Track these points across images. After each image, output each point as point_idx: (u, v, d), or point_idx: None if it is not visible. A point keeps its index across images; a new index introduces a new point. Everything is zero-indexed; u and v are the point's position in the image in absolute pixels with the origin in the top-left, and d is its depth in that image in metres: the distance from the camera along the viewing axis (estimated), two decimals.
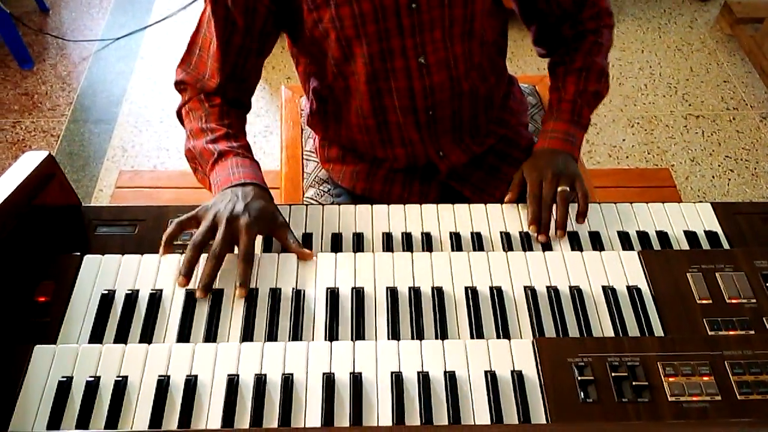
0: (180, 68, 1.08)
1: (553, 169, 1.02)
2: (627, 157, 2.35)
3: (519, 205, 1.02)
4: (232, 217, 0.87)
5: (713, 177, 2.28)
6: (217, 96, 1.05)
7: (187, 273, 0.84)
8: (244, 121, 1.09)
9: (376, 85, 1.04)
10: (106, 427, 0.70)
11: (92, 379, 0.73)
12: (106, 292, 0.84)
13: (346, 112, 1.12)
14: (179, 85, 1.09)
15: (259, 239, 0.91)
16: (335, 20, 0.96)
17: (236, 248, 0.87)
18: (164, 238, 0.87)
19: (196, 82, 1.06)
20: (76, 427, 0.70)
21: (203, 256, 0.86)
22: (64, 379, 0.73)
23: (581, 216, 0.98)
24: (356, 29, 0.97)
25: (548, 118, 1.12)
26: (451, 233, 0.96)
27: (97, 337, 0.80)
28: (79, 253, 0.88)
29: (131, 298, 0.83)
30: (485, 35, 1.07)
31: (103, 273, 0.86)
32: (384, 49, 1.00)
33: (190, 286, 0.84)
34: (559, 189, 0.99)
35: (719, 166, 2.32)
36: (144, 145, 2.36)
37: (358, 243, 0.95)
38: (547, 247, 0.95)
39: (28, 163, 0.91)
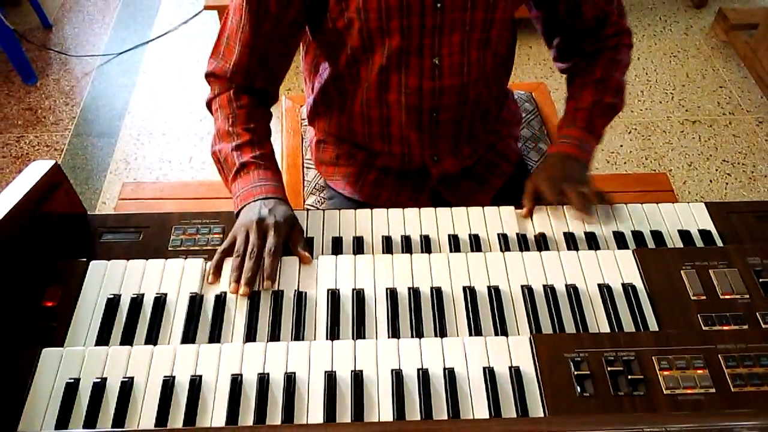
0: (211, 59, 1.10)
1: (566, 179, 1.05)
2: (625, 162, 2.37)
3: (516, 208, 1.04)
4: (260, 220, 0.93)
5: (710, 181, 2.30)
6: (245, 93, 1.07)
7: (237, 279, 0.87)
8: (268, 119, 1.12)
9: (387, 77, 1.06)
10: (113, 427, 0.72)
11: (99, 380, 0.75)
12: (112, 296, 0.85)
13: (351, 101, 1.13)
14: (209, 77, 1.11)
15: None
16: (361, 11, 0.98)
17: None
18: (212, 268, 0.89)
19: (225, 72, 1.07)
20: (84, 427, 0.72)
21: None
22: (72, 380, 0.75)
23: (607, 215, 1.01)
24: (380, 22, 0.99)
25: (563, 125, 1.15)
26: (449, 235, 0.98)
27: (103, 339, 0.81)
28: (85, 259, 0.90)
29: (136, 301, 0.85)
30: (499, 47, 1.10)
31: (108, 278, 0.88)
32: (403, 45, 1.02)
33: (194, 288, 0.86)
34: (578, 191, 1.02)
35: (716, 170, 2.34)
36: (146, 158, 2.39)
37: (358, 246, 0.97)
38: (543, 246, 0.97)
39: (35, 172, 0.93)
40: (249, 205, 0.97)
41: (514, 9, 1.07)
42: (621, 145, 2.42)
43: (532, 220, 1.01)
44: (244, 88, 1.08)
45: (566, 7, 1.11)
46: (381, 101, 1.10)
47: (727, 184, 2.29)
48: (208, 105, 1.12)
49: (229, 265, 0.89)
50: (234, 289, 0.86)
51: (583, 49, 1.17)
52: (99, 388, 0.74)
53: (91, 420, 0.72)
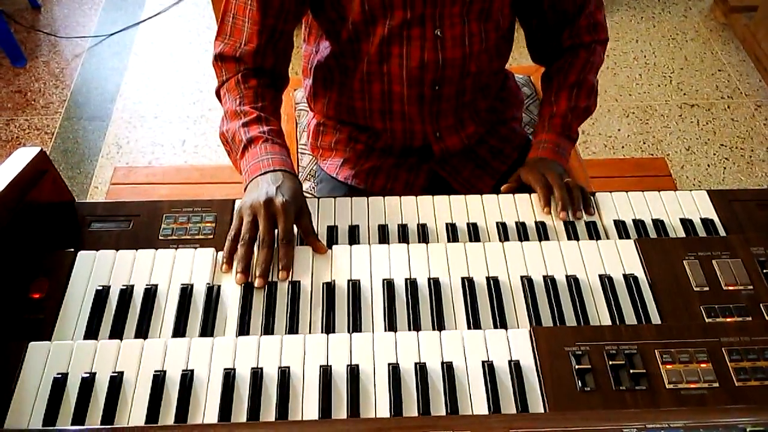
0: (218, 41, 1.07)
1: (552, 169, 1.05)
2: (623, 147, 2.34)
3: (515, 195, 1.02)
4: (268, 201, 0.89)
5: (708, 165, 2.28)
6: (254, 77, 1.05)
7: (244, 269, 0.84)
8: (279, 101, 1.10)
9: (388, 49, 1.05)
10: (102, 423, 0.70)
11: (88, 375, 0.73)
12: (101, 287, 0.83)
13: (351, 76, 1.11)
14: (218, 60, 1.08)
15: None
16: None
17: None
18: (224, 257, 0.86)
19: (234, 51, 1.05)
20: (72, 424, 0.70)
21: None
22: (60, 375, 0.73)
23: (589, 206, 0.99)
24: None
25: (541, 130, 1.15)
26: (447, 224, 0.96)
27: (92, 333, 0.79)
28: (72, 249, 0.87)
29: (126, 293, 0.83)
30: (501, 21, 1.08)
31: (97, 269, 0.86)
32: (405, 17, 1.00)
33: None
34: (566, 180, 1.02)
35: (714, 154, 2.32)
36: (139, 141, 2.35)
37: (354, 235, 0.95)
38: (543, 236, 0.95)
39: (20, 159, 0.90)
40: (256, 179, 0.94)
41: None
42: (619, 129, 2.40)
43: (533, 207, 0.99)
44: (254, 71, 1.05)
45: (549, 3, 1.11)
46: (382, 74, 1.08)
47: (725, 168, 2.27)
48: (217, 93, 1.10)
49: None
50: (240, 279, 0.83)
51: (559, 43, 1.17)
52: (88, 383, 0.72)
53: (79, 416, 0.70)
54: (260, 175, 0.94)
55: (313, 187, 1.31)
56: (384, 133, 1.18)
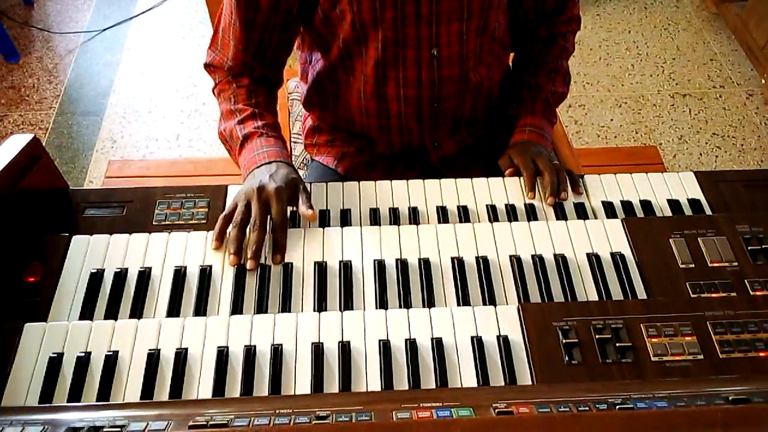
0: (209, 50, 1.10)
1: (541, 153, 1.06)
2: (615, 136, 2.36)
3: (505, 179, 1.03)
4: (261, 188, 0.90)
5: (701, 154, 2.30)
6: (245, 76, 1.06)
7: (237, 251, 0.86)
8: (273, 97, 1.11)
9: (383, 71, 1.04)
10: (97, 400, 0.71)
11: (83, 354, 0.74)
12: (95, 270, 0.84)
13: (347, 92, 1.11)
14: (208, 67, 1.11)
15: None
16: (353, 3, 0.95)
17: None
18: (214, 235, 0.88)
19: (223, 64, 1.07)
20: (68, 401, 0.71)
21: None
22: (55, 355, 0.74)
23: (577, 186, 1.00)
24: (374, 14, 0.96)
25: (523, 114, 1.16)
26: (437, 207, 0.97)
27: (87, 314, 0.80)
28: (67, 234, 0.88)
29: (120, 276, 0.84)
30: (497, 31, 1.08)
31: (91, 252, 0.87)
32: (398, 36, 1.00)
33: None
34: (553, 162, 1.03)
35: (706, 143, 2.33)
36: (133, 136, 2.36)
37: (346, 219, 0.96)
38: (532, 217, 0.96)
39: (13, 146, 0.91)
40: (252, 172, 0.96)
41: None
42: (611, 119, 2.41)
43: (522, 189, 1.00)
44: (244, 75, 1.07)
45: (531, 2, 1.12)
46: (379, 94, 1.08)
47: (717, 157, 2.29)
48: (213, 91, 1.11)
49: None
50: (233, 261, 0.85)
51: (536, 34, 1.18)
52: (83, 361, 0.73)
53: (75, 394, 0.71)
54: (256, 168, 0.96)
55: (306, 175, 1.31)
56: (381, 142, 1.18)
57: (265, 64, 1.07)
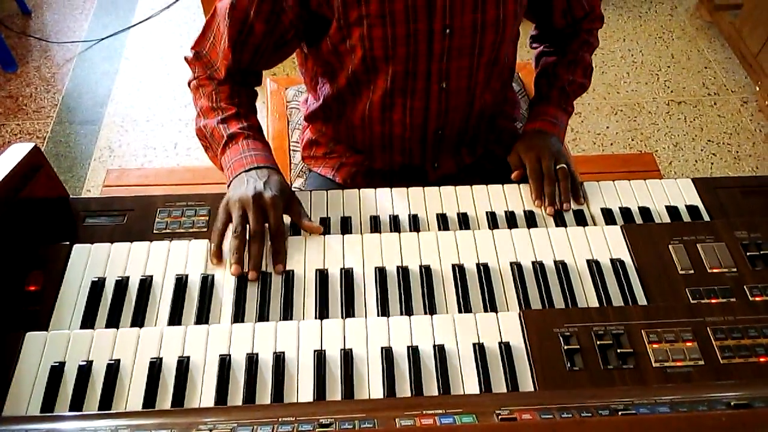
0: (194, 49, 1.07)
1: (549, 149, 1.06)
2: (611, 144, 2.37)
3: (504, 186, 1.03)
4: (257, 196, 0.89)
5: (696, 161, 2.31)
6: (225, 83, 1.05)
7: (239, 260, 0.85)
8: (254, 97, 1.10)
9: (391, 99, 1.04)
10: (99, 409, 0.71)
11: (84, 363, 0.74)
12: (96, 279, 0.84)
13: (352, 113, 1.11)
14: (190, 62, 1.08)
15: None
16: (365, 39, 0.95)
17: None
18: (213, 249, 0.87)
19: (205, 67, 1.06)
20: (70, 410, 0.71)
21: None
22: (57, 364, 0.74)
23: (578, 196, 1.00)
24: (385, 50, 0.96)
25: (538, 102, 1.16)
26: (437, 214, 0.98)
27: (88, 323, 0.80)
28: (68, 243, 0.88)
29: (121, 284, 0.84)
30: (507, 61, 1.09)
31: (92, 261, 0.87)
32: (409, 71, 1.00)
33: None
34: (559, 166, 1.02)
35: (702, 150, 2.35)
36: (131, 145, 2.36)
37: (346, 226, 0.96)
38: (532, 224, 0.96)
39: (14, 155, 0.91)
40: (240, 175, 0.94)
41: (519, 24, 1.06)
42: (607, 127, 2.42)
43: (522, 197, 1.01)
44: (225, 83, 1.06)
45: (561, 13, 1.13)
46: (384, 119, 1.08)
47: (712, 164, 2.30)
48: (189, 84, 1.09)
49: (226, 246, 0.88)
50: (236, 270, 0.84)
51: (560, 32, 1.19)
52: (84, 370, 0.73)
53: (77, 403, 0.71)
54: (245, 171, 0.95)
55: (305, 184, 1.32)
56: (382, 159, 1.18)
57: (250, 73, 1.07)
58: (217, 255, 0.87)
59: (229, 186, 0.95)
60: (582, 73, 1.18)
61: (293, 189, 1.29)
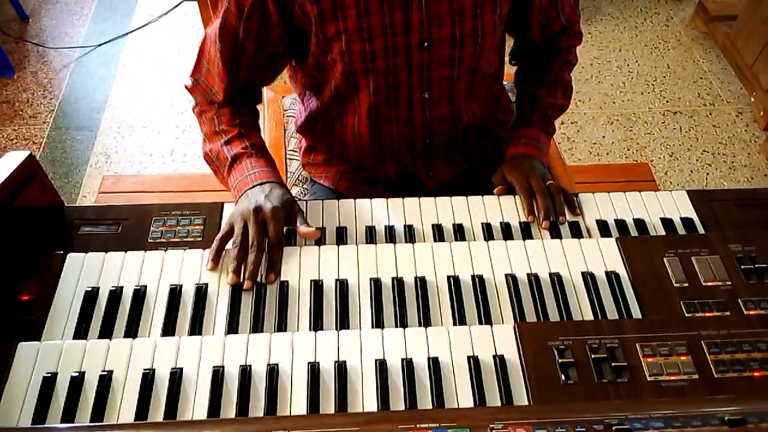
0: (192, 77, 1.09)
1: (534, 170, 1.06)
2: (607, 153, 2.38)
3: (500, 197, 1.03)
4: (257, 209, 0.91)
5: (691, 171, 2.32)
6: (225, 105, 1.07)
7: (236, 270, 0.86)
8: (255, 116, 1.11)
9: (376, 112, 1.05)
10: (91, 421, 0.70)
11: (77, 374, 0.73)
12: (90, 289, 0.84)
13: (341, 128, 1.12)
14: (190, 90, 1.11)
15: None
16: (344, 54, 0.96)
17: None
18: (211, 255, 0.88)
19: (204, 94, 1.08)
20: (62, 422, 0.70)
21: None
22: (49, 374, 0.73)
23: (573, 207, 1.00)
24: (365, 64, 0.97)
25: (520, 125, 1.17)
26: (433, 225, 0.98)
27: (81, 333, 0.80)
28: (62, 252, 0.88)
29: (115, 294, 0.83)
30: (489, 68, 1.09)
31: (86, 270, 0.86)
32: (390, 83, 1.01)
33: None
34: (548, 182, 1.03)
35: (697, 160, 2.36)
36: (127, 151, 2.36)
37: (342, 237, 0.96)
38: (527, 236, 0.96)
39: (8, 163, 0.91)
40: (245, 192, 0.96)
41: (499, 34, 1.07)
42: (603, 136, 2.43)
43: (517, 208, 1.01)
44: (225, 105, 1.07)
45: (538, 26, 1.13)
46: (372, 132, 1.09)
47: (707, 174, 2.31)
48: (193, 110, 1.12)
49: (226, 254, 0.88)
50: (232, 280, 0.85)
51: (537, 48, 1.18)
52: (77, 382, 0.73)
53: (69, 414, 0.71)
54: (249, 188, 0.96)
55: (302, 192, 1.32)
56: (375, 170, 1.19)
57: (248, 93, 1.08)
58: (215, 259, 0.87)
59: (236, 204, 0.96)
60: (562, 94, 1.19)
61: None
